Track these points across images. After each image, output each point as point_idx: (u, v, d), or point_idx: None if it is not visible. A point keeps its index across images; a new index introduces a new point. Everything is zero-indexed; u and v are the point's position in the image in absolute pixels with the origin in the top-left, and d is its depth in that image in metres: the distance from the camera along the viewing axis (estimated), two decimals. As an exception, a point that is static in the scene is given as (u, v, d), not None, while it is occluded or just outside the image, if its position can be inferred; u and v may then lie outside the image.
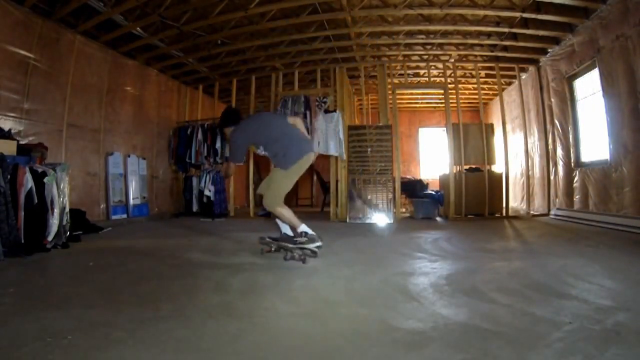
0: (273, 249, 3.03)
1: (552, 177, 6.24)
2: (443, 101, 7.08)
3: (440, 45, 6.42)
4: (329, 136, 5.95)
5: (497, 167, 6.67)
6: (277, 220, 3.03)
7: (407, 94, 9.32)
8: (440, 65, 6.92)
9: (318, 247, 2.80)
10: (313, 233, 2.81)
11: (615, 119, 4.49)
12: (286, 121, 3.14)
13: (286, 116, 3.91)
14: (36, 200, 3.16)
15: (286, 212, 2.88)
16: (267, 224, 5.56)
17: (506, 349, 1.29)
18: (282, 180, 2.93)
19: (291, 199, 10.17)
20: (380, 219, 5.84)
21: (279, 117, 3.74)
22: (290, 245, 2.84)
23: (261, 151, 3.07)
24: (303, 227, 2.83)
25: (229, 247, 3.55)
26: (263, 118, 3.31)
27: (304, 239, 2.78)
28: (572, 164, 5.58)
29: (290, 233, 2.97)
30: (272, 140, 2.94)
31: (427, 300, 1.86)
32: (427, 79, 7.33)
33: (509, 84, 7.66)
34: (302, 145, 2.97)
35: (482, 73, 7.19)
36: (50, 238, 3.26)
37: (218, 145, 6.66)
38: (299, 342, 1.38)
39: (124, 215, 5.78)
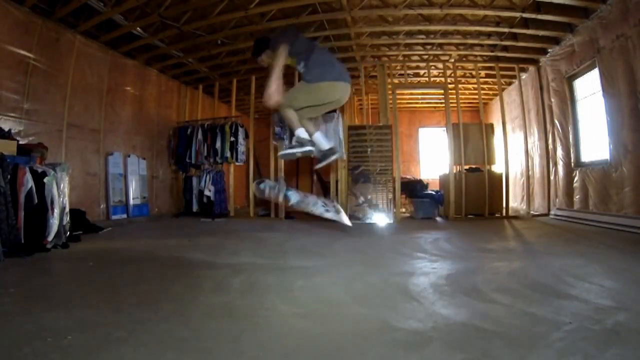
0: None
1: (552, 177, 6.24)
2: (443, 101, 7.08)
3: (440, 45, 6.42)
4: (328, 136, 5.90)
5: (497, 167, 6.66)
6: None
7: (407, 94, 9.32)
8: (440, 65, 6.91)
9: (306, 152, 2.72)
10: (305, 137, 2.73)
11: (615, 119, 4.49)
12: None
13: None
14: (36, 200, 3.16)
15: (290, 115, 2.70)
16: (267, 224, 5.56)
17: (506, 349, 1.29)
18: (301, 93, 2.68)
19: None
20: (380, 219, 5.84)
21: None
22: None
23: (301, 67, 2.72)
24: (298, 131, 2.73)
25: (229, 247, 3.54)
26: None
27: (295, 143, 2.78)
28: (572, 164, 5.58)
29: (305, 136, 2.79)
30: (316, 53, 2.63)
31: (427, 300, 1.86)
32: (427, 79, 7.33)
33: (509, 84, 7.66)
34: (343, 71, 2.69)
35: (482, 73, 7.19)
36: (50, 238, 3.25)
37: (218, 145, 6.66)
38: (299, 342, 1.38)
39: (124, 215, 5.78)
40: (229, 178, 6.98)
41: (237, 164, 6.83)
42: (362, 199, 6.00)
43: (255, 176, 7.11)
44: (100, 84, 5.53)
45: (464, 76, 7.73)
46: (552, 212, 6.07)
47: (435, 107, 10.08)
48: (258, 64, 2.85)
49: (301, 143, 2.76)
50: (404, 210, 7.24)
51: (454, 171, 6.41)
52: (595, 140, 5.08)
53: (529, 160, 6.75)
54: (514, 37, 5.84)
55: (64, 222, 3.47)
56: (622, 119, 4.36)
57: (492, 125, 6.77)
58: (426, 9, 5.13)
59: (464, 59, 6.87)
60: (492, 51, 6.34)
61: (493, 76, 7.10)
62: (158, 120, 6.88)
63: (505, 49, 6.23)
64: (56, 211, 3.32)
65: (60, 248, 3.34)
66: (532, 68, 6.59)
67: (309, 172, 10.78)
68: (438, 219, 6.31)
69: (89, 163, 5.37)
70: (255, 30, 5.70)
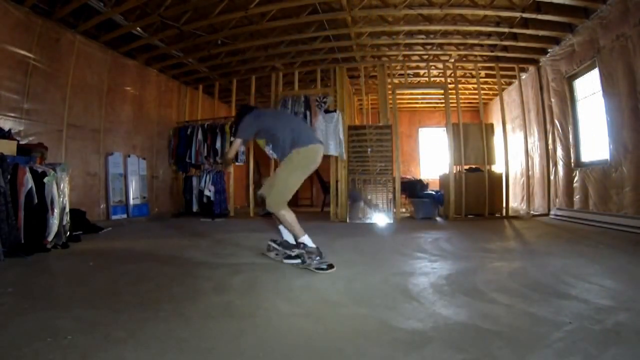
0: (276, 255, 2.85)
1: (552, 177, 6.24)
2: (443, 101, 7.08)
3: (440, 45, 6.42)
4: (329, 136, 5.95)
5: (497, 167, 6.67)
6: (280, 226, 2.85)
7: (407, 94, 9.32)
8: (440, 65, 6.92)
9: (321, 267, 2.46)
10: (314, 246, 2.55)
11: (615, 119, 4.49)
12: (296, 117, 3.22)
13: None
14: (36, 200, 3.16)
15: (289, 217, 2.64)
16: (267, 224, 5.56)
17: (506, 349, 1.28)
18: (287, 177, 2.67)
19: (292, 199, 10.14)
20: (380, 219, 5.84)
21: (289, 113, 3.53)
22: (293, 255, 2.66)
23: (269, 150, 3.06)
24: (304, 239, 2.59)
25: (229, 247, 3.54)
26: (276, 110, 3.48)
27: (301, 251, 2.56)
28: (572, 164, 5.58)
29: (291, 240, 2.75)
30: (280, 127, 2.73)
31: (427, 300, 1.85)
32: (427, 79, 7.33)
33: (509, 84, 7.66)
34: (311, 135, 2.81)
35: (482, 73, 7.19)
36: (50, 238, 3.26)
37: (218, 145, 6.66)
38: (299, 342, 1.38)
39: (124, 215, 5.78)
40: (229, 178, 6.98)
41: (237, 164, 6.83)
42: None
43: (255, 175, 7.12)
44: (100, 84, 5.53)
45: (464, 76, 7.73)
46: (552, 212, 6.07)
47: (435, 107, 10.08)
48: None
49: (309, 253, 2.53)
50: (404, 210, 7.24)
51: (454, 171, 6.41)
52: (595, 140, 5.08)
53: (529, 160, 6.75)
54: (514, 37, 5.84)
55: (64, 222, 3.47)
56: (622, 119, 4.36)
57: (492, 125, 6.77)
58: (426, 9, 5.14)
59: (464, 59, 6.87)
60: (492, 51, 6.34)
61: (493, 76, 7.10)
62: (158, 120, 6.88)
63: (505, 49, 6.23)
64: (56, 211, 3.32)
65: (60, 248, 3.34)
66: (532, 68, 6.59)
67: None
68: (438, 219, 6.31)
69: (89, 163, 5.37)
70: (255, 30, 5.71)
